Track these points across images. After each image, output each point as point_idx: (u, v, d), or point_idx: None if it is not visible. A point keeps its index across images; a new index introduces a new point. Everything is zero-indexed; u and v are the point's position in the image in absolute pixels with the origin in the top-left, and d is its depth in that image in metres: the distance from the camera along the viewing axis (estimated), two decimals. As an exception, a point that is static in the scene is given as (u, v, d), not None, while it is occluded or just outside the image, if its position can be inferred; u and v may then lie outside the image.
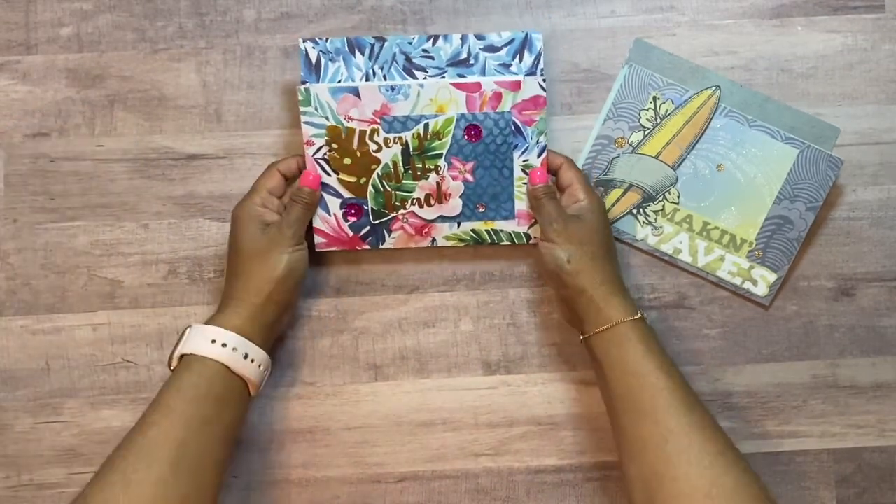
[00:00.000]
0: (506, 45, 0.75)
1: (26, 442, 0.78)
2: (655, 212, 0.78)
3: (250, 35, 0.80)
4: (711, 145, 0.77)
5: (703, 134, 0.77)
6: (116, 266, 0.79)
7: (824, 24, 0.79)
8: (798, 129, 0.77)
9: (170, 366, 0.69)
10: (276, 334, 0.75)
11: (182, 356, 0.69)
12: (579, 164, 0.78)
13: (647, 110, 0.77)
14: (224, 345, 0.68)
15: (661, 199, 0.78)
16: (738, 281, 0.77)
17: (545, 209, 0.73)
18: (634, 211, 0.78)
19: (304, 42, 0.74)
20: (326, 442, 0.78)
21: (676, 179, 0.77)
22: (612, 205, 0.78)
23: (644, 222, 0.78)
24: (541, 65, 0.75)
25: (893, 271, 0.79)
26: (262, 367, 0.71)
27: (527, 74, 0.74)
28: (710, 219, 0.77)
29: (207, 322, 0.70)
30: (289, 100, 0.79)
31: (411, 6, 0.80)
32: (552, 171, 0.75)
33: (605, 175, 0.78)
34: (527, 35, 0.74)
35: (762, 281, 0.77)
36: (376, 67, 0.74)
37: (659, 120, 0.77)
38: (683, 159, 0.77)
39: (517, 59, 0.75)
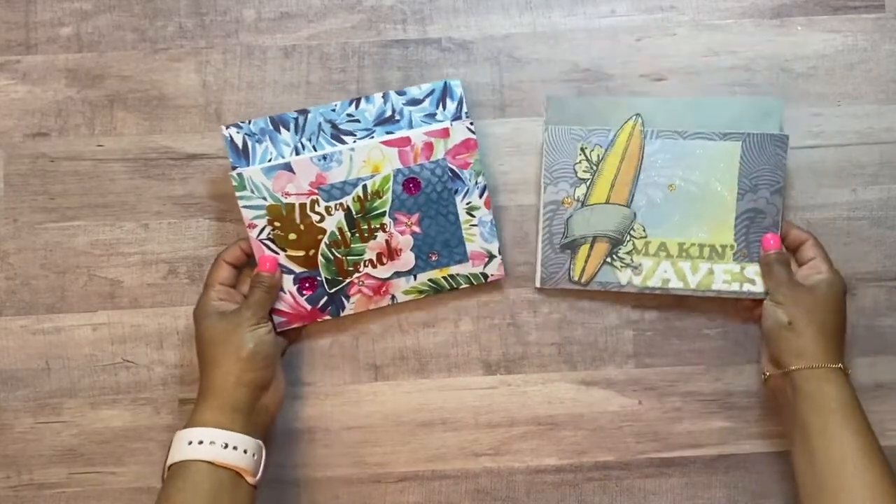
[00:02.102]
0: (427, 95, 0.75)
1: (26, 442, 0.78)
2: (628, 253, 0.77)
3: (250, 35, 0.80)
4: (655, 171, 0.76)
5: (641, 164, 0.76)
6: (116, 266, 0.79)
7: (824, 24, 0.79)
8: (742, 114, 0.76)
9: (162, 479, 0.68)
10: (264, 417, 0.72)
11: (170, 467, 0.67)
12: (538, 237, 0.78)
13: (580, 163, 0.76)
14: (201, 442, 0.67)
15: (628, 239, 0.77)
16: (735, 287, 0.76)
17: (776, 273, 0.73)
18: (608, 259, 0.77)
19: (226, 129, 0.73)
20: (326, 442, 0.78)
21: (635, 215, 0.77)
22: (585, 263, 0.77)
23: (622, 266, 0.77)
24: (464, 108, 0.75)
25: (893, 271, 0.79)
26: (248, 453, 0.68)
27: (452, 120, 0.75)
28: (684, 238, 0.76)
29: (185, 426, 0.69)
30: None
31: (411, 6, 0.80)
32: (793, 247, 0.75)
33: (566, 238, 0.77)
34: (445, 84, 0.75)
35: (757, 277, 0.76)
36: (304, 140, 0.74)
37: (595, 168, 0.77)
38: (633, 194, 0.76)
39: (440, 108, 0.75)
